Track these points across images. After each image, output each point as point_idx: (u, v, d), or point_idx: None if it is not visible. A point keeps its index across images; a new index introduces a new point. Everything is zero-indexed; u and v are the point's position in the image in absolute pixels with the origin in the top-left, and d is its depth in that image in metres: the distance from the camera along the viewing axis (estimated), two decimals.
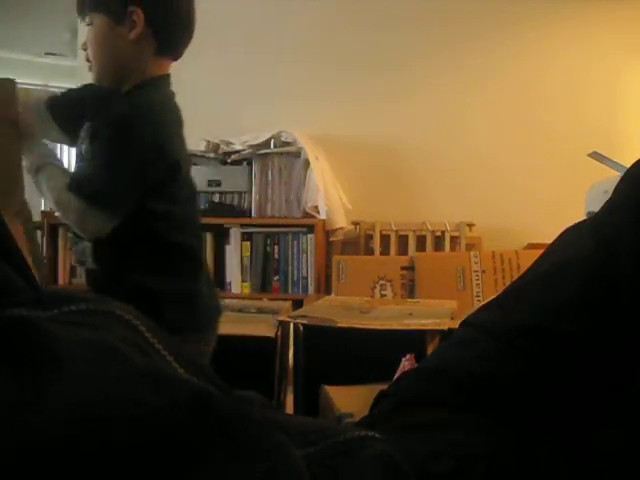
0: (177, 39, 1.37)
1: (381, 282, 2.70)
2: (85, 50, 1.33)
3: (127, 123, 1.23)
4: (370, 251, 3.08)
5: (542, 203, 3.19)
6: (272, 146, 2.95)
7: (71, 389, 0.30)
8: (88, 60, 1.33)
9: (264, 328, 2.22)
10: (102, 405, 0.30)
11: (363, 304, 2.15)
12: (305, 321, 1.85)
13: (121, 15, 1.27)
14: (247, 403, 0.42)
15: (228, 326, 2.06)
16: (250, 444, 0.32)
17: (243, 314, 2.48)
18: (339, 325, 1.75)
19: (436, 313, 1.92)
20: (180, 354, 0.39)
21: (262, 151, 2.95)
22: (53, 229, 2.93)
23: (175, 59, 1.40)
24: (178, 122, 1.36)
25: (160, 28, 1.31)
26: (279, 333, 2.22)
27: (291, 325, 2.08)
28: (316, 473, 0.38)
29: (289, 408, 2.15)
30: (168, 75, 1.37)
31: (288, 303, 2.72)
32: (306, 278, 2.93)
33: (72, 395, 0.29)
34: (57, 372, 0.30)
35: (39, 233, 3.00)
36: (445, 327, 1.66)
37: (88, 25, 1.30)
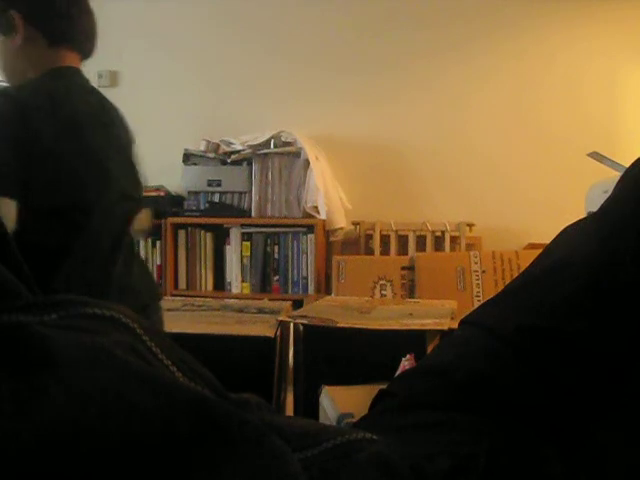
0: (63, 28, 1.41)
1: (381, 282, 2.70)
2: None
3: None
4: (370, 251, 3.08)
5: (542, 203, 3.19)
6: (272, 146, 2.95)
7: (67, 393, 0.29)
8: None
9: (264, 328, 2.22)
10: (99, 409, 0.29)
11: (363, 304, 2.15)
12: (305, 321, 1.85)
13: (6, 26, 1.37)
14: (244, 406, 0.42)
15: (228, 326, 2.06)
16: (246, 448, 0.32)
17: (243, 314, 2.48)
18: (339, 325, 1.75)
19: (436, 313, 1.91)
20: (178, 358, 0.39)
21: (262, 151, 2.95)
22: None
23: (82, 53, 1.46)
24: (70, 109, 1.37)
25: (41, 23, 1.38)
26: (279, 333, 2.22)
27: (291, 325, 2.08)
28: (314, 476, 0.38)
29: (289, 408, 2.15)
30: (69, 67, 1.42)
31: (288, 303, 2.72)
32: (306, 278, 2.94)
33: (69, 399, 0.29)
34: (54, 376, 0.30)
35: None
36: (445, 327, 1.66)
37: None
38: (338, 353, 1.91)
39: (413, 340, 1.69)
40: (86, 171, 1.37)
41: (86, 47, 1.47)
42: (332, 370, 1.81)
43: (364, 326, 1.75)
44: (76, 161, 1.35)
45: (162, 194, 3.08)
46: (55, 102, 1.34)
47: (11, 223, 1.25)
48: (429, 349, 1.66)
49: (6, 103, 1.29)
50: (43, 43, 1.39)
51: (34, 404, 0.28)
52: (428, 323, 1.74)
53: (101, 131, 1.42)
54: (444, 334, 1.63)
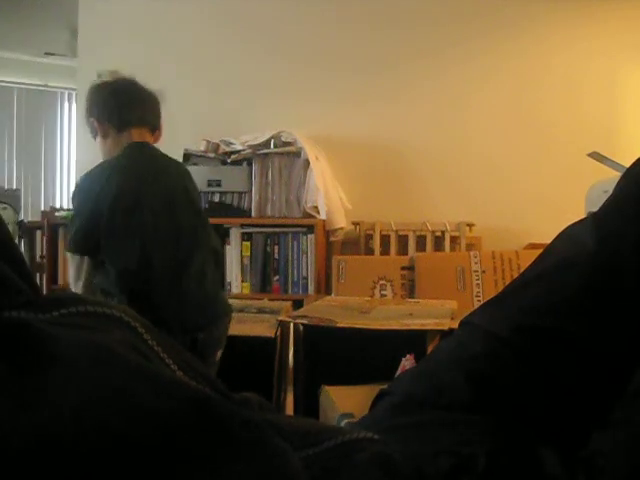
0: (124, 117, 1.94)
1: (381, 282, 2.70)
2: None
3: (77, 185, 1.94)
4: (370, 251, 3.08)
5: (542, 203, 3.19)
6: (272, 146, 2.95)
7: (70, 390, 0.29)
8: None
9: (264, 328, 2.22)
10: (101, 406, 0.30)
11: (363, 304, 2.15)
12: (305, 321, 1.85)
13: (93, 130, 1.97)
14: (245, 405, 0.42)
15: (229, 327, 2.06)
16: (248, 447, 0.32)
17: (244, 314, 2.48)
18: (339, 325, 1.75)
19: (436, 313, 1.91)
20: (179, 357, 0.39)
21: (262, 151, 2.95)
22: (53, 229, 2.93)
23: (149, 126, 1.99)
24: (130, 175, 1.88)
25: (109, 119, 1.94)
26: (279, 333, 2.22)
27: (291, 325, 2.08)
28: (315, 475, 0.38)
29: (289, 408, 2.15)
30: (134, 144, 1.93)
31: (288, 303, 2.72)
32: (306, 278, 2.93)
33: (71, 396, 0.29)
34: (55, 374, 0.30)
35: (39, 233, 3.00)
36: (445, 327, 1.66)
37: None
38: (338, 353, 1.91)
39: (413, 340, 1.69)
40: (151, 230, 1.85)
41: (150, 122, 1.98)
42: (332, 370, 1.81)
43: (364, 326, 1.75)
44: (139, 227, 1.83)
45: None
46: (121, 170, 1.86)
47: (85, 273, 1.84)
48: (429, 349, 1.66)
49: (92, 179, 1.85)
50: (113, 131, 1.93)
51: (35, 401, 0.28)
52: (428, 323, 1.74)
53: (157, 186, 1.91)
54: (444, 334, 1.63)
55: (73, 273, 1.87)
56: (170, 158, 2.06)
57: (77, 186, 1.92)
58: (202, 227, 2.00)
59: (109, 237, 1.80)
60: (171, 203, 1.92)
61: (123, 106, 1.95)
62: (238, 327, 2.18)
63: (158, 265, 1.83)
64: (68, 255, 1.90)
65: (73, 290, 1.85)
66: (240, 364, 2.02)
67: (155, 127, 2.01)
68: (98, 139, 1.98)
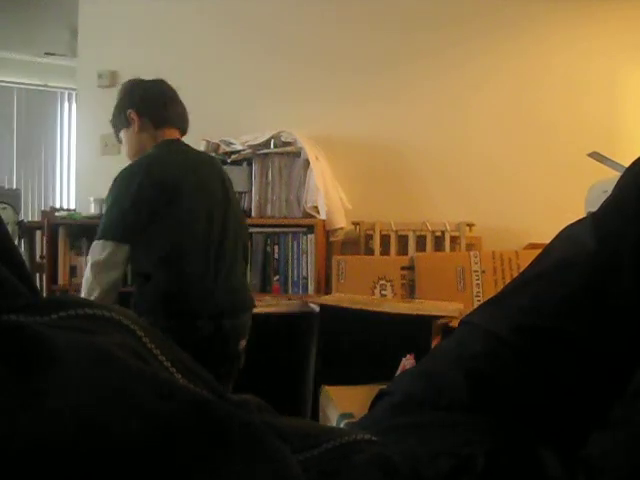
0: (163, 115, 2.06)
1: (381, 282, 2.70)
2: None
3: (116, 178, 1.97)
4: (370, 251, 3.08)
5: (542, 203, 3.19)
6: (272, 146, 2.95)
7: (69, 392, 0.29)
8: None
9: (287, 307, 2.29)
10: (99, 410, 0.30)
11: (371, 300, 2.17)
12: (323, 301, 1.89)
13: (126, 121, 2.05)
14: (244, 407, 0.42)
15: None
16: (247, 450, 0.32)
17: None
18: (355, 307, 1.77)
19: (444, 310, 1.92)
20: (178, 360, 0.39)
21: (262, 151, 2.95)
22: (53, 229, 2.93)
23: (180, 128, 2.10)
24: (170, 166, 1.99)
25: (149, 114, 2.04)
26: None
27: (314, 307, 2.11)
28: (312, 478, 0.38)
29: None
30: (170, 140, 2.06)
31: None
32: (306, 278, 2.93)
33: (70, 398, 0.29)
34: (54, 377, 0.30)
35: (39, 233, 3.00)
36: (456, 315, 1.67)
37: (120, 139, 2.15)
38: (338, 353, 1.92)
39: (413, 340, 1.70)
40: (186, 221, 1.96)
41: (181, 124, 2.11)
42: (332, 370, 1.82)
43: (378, 309, 1.76)
44: (177, 217, 1.94)
45: None
46: (161, 161, 1.97)
47: (122, 260, 1.89)
48: (433, 344, 1.67)
49: (133, 170, 1.94)
50: (151, 127, 2.04)
51: (35, 403, 0.28)
52: (437, 313, 1.75)
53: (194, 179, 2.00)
54: (446, 333, 1.63)
55: (104, 261, 1.87)
56: (203, 153, 2.23)
57: (118, 177, 1.96)
58: (235, 219, 2.11)
59: (151, 223, 1.90)
60: (208, 194, 2.02)
61: (166, 104, 2.06)
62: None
63: (192, 252, 1.94)
64: (97, 245, 1.89)
65: (94, 281, 1.87)
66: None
67: (184, 131, 2.13)
68: (128, 132, 2.06)
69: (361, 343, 1.89)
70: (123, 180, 1.93)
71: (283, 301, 2.72)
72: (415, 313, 1.73)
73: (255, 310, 2.18)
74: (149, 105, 2.04)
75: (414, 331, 1.76)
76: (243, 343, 2.09)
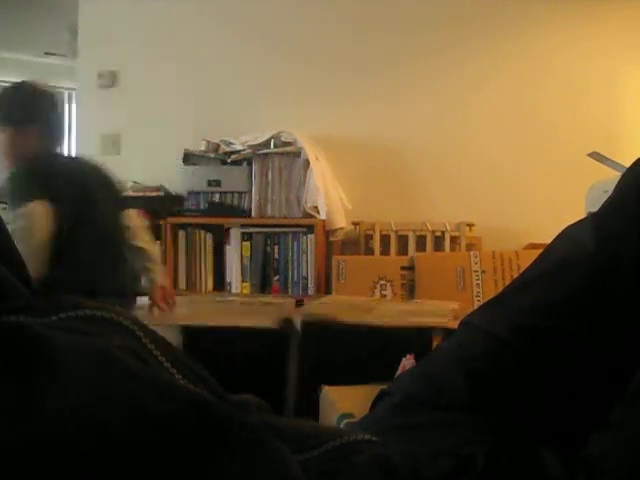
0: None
1: (381, 282, 2.70)
2: None
3: None
4: (370, 251, 3.08)
5: (542, 203, 3.19)
6: (272, 146, 2.95)
7: (70, 393, 0.29)
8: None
9: (266, 320, 2.25)
10: (99, 410, 0.29)
11: (366, 302, 2.15)
12: (308, 319, 1.84)
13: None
14: (244, 408, 0.42)
15: (232, 317, 2.08)
16: (246, 450, 0.32)
17: (247, 307, 2.51)
18: (344, 321, 1.74)
19: (439, 312, 1.91)
20: (178, 360, 0.39)
21: (262, 151, 2.95)
22: None
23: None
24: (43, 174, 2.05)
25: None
26: (283, 327, 2.23)
27: (295, 322, 2.07)
28: (314, 478, 0.38)
29: (289, 408, 2.14)
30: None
31: (291, 300, 2.71)
32: (306, 278, 2.93)
33: (71, 399, 0.29)
34: (54, 378, 0.30)
35: None
36: (448, 324, 1.66)
37: None
38: (338, 353, 1.92)
39: (414, 340, 1.70)
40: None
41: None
42: (332, 370, 1.81)
43: (368, 322, 1.73)
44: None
45: (162, 194, 3.09)
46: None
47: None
48: (434, 346, 1.66)
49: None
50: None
51: (35, 404, 0.28)
52: (432, 321, 1.74)
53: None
54: (447, 334, 1.63)
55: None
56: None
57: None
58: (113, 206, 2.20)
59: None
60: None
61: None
62: (241, 319, 2.21)
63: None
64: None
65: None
66: (243, 362, 2.03)
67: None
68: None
69: (360, 344, 1.88)
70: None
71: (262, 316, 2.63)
72: (405, 325, 1.71)
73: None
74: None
75: (414, 332, 1.76)
76: None
